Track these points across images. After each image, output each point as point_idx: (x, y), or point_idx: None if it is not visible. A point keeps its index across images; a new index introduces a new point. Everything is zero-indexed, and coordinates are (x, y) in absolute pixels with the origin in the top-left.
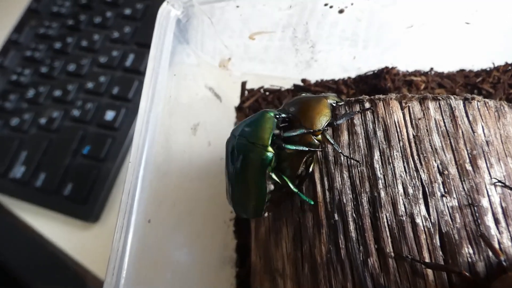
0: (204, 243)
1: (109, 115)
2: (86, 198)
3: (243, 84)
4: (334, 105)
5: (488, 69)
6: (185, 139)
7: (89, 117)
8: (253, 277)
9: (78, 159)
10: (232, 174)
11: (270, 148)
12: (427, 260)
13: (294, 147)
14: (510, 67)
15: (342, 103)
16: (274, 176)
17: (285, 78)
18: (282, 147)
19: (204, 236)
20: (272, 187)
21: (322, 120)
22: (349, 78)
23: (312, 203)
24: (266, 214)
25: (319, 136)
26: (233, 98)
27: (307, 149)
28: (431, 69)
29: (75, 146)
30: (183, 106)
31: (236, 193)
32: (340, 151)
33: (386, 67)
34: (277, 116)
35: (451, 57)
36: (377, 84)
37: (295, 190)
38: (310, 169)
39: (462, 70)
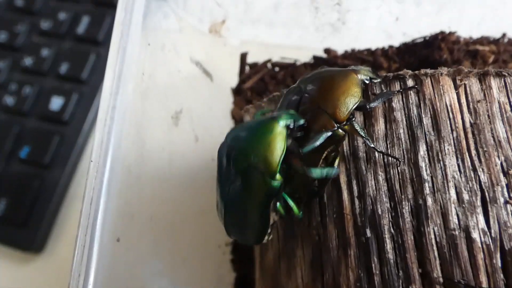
0: (191, 273)
1: (56, 103)
2: (25, 219)
3: (243, 57)
4: (367, 82)
5: None
6: (164, 131)
7: (28, 107)
8: None
9: (14, 165)
10: (226, 193)
11: (278, 177)
12: (484, 285)
13: (311, 146)
14: None
15: (378, 80)
16: (279, 207)
17: (301, 47)
18: (294, 164)
19: (191, 263)
20: (276, 217)
21: (349, 102)
22: (390, 47)
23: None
24: (269, 238)
25: (345, 124)
26: (228, 76)
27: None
28: (504, 35)
29: (9, 148)
30: (161, 87)
31: (230, 217)
32: (373, 145)
33: (442, 32)
34: (291, 126)
35: None
36: (429, 56)
37: (298, 214)
38: (335, 166)
39: None
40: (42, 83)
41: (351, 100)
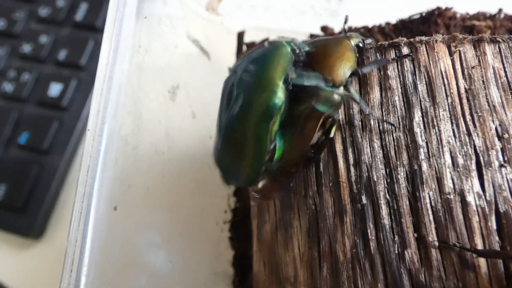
0: (188, 247)
1: (54, 89)
2: (24, 205)
3: (240, 36)
4: (361, 46)
5: None
6: (161, 105)
7: (26, 93)
8: None
9: (13, 151)
10: (226, 121)
11: (280, 92)
12: (479, 247)
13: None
14: None
15: (370, 40)
16: (277, 133)
17: (299, 33)
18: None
19: (189, 238)
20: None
21: (344, 66)
22: (387, 24)
23: None
24: (260, 185)
25: (341, 89)
26: (226, 55)
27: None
28: (500, 10)
29: (8, 134)
30: (158, 60)
31: (227, 147)
32: (368, 112)
33: (438, 8)
34: (296, 51)
35: None
36: (425, 32)
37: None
38: (332, 134)
39: None
40: (40, 69)
41: (346, 64)
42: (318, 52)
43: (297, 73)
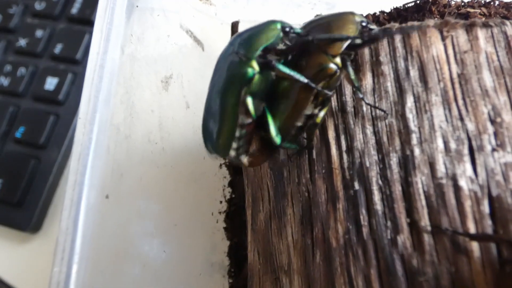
0: (182, 238)
1: (50, 83)
2: (21, 199)
3: (234, 26)
4: (364, 24)
5: None
6: (154, 94)
7: (22, 87)
8: (250, 282)
9: (9, 145)
10: (210, 88)
11: (253, 63)
12: (472, 232)
13: (288, 71)
14: None
15: (374, 27)
16: (249, 103)
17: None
18: (272, 66)
19: (183, 228)
20: (247, 120)
21: (343, 36)
22: (382, 12)
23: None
24: (245, 161)
25: (337, 60)
26: (220, 46)
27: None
28: None
29: (4, 128)
30: (150, 50)
31: (207, 114)
32: (362, 96)
33: None
34: (287, 29)
35: None
36: (420, 20)
37: (274, 134)
38: (322, 113)
39: None
40: (36, 64)
41: (344, 36)
42: (320, 24)
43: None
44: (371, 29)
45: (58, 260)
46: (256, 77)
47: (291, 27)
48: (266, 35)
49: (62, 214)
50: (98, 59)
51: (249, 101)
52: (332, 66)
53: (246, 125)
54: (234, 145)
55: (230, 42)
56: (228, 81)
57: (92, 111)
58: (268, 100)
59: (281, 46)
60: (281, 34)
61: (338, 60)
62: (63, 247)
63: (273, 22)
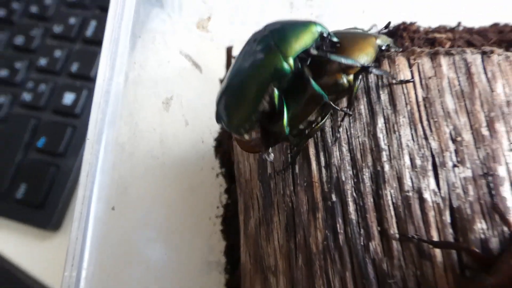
0: (183, 241)
1: (68, 98)
2: (43, 201)
3: (229, 50)
4: (384, 48)
5: None
6: (155, 115)
7: (43, 102)
8: (243, 280)
9: (32, 154)
10: (238, 67)
11: (291, 61)
12: (435, 239)
13: (317, 88)
14: None
15: (397, 48)
16: (276, 96)
17: None
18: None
19: (183, 233)
20: (266, 106)
21: (361, 58)
22: None
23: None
24: (247, 137)
25: (350, 77)
26: (217, 68)
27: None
28: (459, 23)
29: (27, 139)
30: (152, 74)
31: (229, 89)
32: (351, 113)
33: (404, 23)
34: (325, 35)
35: (483, 8)
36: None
37: (286, 129)
38: (323, 120)
39: (495, 25)
40: (55, 81)
41: (363, 57)
42: (343, 41)
43: (319, 51)
44: (392, 48)
45: (68, 266)
46: (289, 76)
47: (329, 34)
48: (306, 37)
49: (72, 225)
50: (104, 85)
51: (276, 94)
52: (346, 82)
53: (264, 111)
54: (247, 126)
55: (267, 29)
56: (260, 71)
57: (99, 133)
58: (285, 94)
59: (313, 51)
60: (319, 39)
61: (351, 77)
62: (73, 255)
63: (314, 24)
